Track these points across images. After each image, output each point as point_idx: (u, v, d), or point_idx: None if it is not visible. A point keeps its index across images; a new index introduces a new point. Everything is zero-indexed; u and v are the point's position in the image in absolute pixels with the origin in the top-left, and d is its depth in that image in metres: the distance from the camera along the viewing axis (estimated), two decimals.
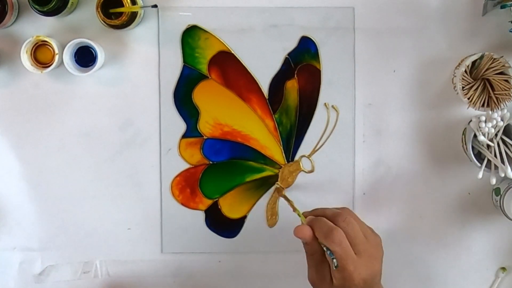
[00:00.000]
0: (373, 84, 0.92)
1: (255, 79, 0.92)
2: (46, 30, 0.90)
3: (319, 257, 0.78)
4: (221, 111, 0.92)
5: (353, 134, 0.93)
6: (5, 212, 0.92)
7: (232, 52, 0.92)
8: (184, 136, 0.92)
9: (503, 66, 0.88)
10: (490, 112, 0.86)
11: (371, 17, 0.91)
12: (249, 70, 0.92)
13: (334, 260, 0.75)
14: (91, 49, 0.89)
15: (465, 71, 0.88)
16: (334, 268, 0.75)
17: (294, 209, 0.83)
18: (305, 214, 0.81)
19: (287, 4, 0.91)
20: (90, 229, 0.92)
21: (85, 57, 0.90)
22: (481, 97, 0.89)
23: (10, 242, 0.92)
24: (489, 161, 0.87)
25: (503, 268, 0.93)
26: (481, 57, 0.88)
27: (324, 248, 0.76)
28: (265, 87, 0.92)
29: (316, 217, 0.79)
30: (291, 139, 0.93)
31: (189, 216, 0.93)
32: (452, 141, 0.92)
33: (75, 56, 0.90)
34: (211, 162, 0.93)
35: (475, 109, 0.89)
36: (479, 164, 0.87)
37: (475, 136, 0.87)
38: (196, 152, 0.93)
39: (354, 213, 0.79)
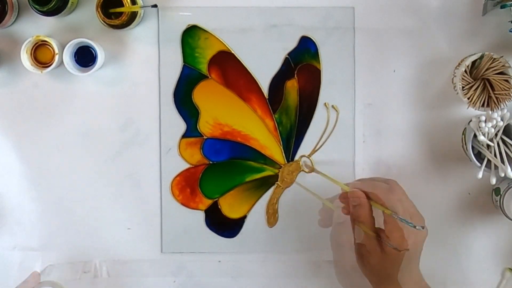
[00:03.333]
0: (373, 84, 0.92)
1: (255, 79, 0.92)
2: (46, 30, 0.90)
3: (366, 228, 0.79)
4: (221, 111, 0.92)
5: (353, 134, 0.92)
6: (6, 212, 0.92)
7: (232, 52, 0.92)
8: (184, 136, 0.92)
9: (503, 66, 0.88)
10: (490, 112, 0.86)
11: (371, 17, 0.91)
12: (249, 70, 0.92)
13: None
14: (91, 49, 0.89)
15: (465, 71, 0.88)
16: (401, 220, 0.76)
17: (335, 182, 0.84)
18: (349, 184, 0.83)
19: (287, 4, 0.91)
20: (90, 229, 0.92)
21: (85, 57, 0.90)
22: (481, 97, 0.88)
23: (11, 242, 0.92)
24: (489, 161, 0.87)
25: (510, 269, 0.93)
26: (481, 57, 0.88)
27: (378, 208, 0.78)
28: (265, 87, 0.92)
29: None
30: (291, 139, 0.93)
31: (189, 216, 0.93)
32: (452, 141, 0.92)
33: (75, 56, 0.90)
34: (211, 162, 0.93)
35: (475, 109, 0.89)
36: (479, 164, 0.87)
37: (475, 136, 0.87)
38: (196, 152, 0.93)
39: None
